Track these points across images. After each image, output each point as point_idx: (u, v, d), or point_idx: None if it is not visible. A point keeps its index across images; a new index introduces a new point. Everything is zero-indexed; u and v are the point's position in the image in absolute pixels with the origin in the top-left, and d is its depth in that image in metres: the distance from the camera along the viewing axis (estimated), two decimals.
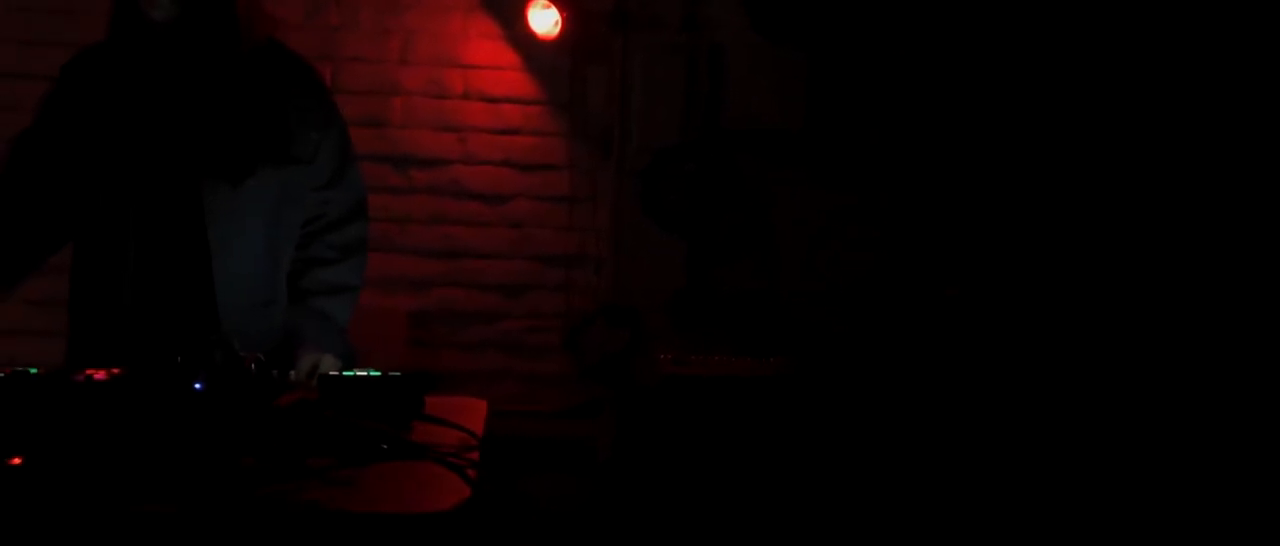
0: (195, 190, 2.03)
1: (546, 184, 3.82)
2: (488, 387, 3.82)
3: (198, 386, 1.66)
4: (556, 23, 3.66)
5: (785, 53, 3.81)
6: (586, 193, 3.82)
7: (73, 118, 2.07)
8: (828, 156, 3.84)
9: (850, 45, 3.84)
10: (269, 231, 2.11)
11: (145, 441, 1.60)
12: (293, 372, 2.07)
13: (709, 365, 3.23)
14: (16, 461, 1.28)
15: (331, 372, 1.75)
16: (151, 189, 2.03)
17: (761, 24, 3.76)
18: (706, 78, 3.80)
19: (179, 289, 2.05)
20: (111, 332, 2.07)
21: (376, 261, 3.76)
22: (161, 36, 1.98)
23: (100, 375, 1.67)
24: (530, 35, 3.69)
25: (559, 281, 3.84)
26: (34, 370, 1.67)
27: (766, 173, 3.83)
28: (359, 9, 3.74)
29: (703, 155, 3.82)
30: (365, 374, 1.73)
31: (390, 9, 3.75)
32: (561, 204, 3.83)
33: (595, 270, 3.83)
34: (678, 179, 3.82)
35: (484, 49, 3.78)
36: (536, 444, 3.77)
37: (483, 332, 3.84)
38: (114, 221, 2.05)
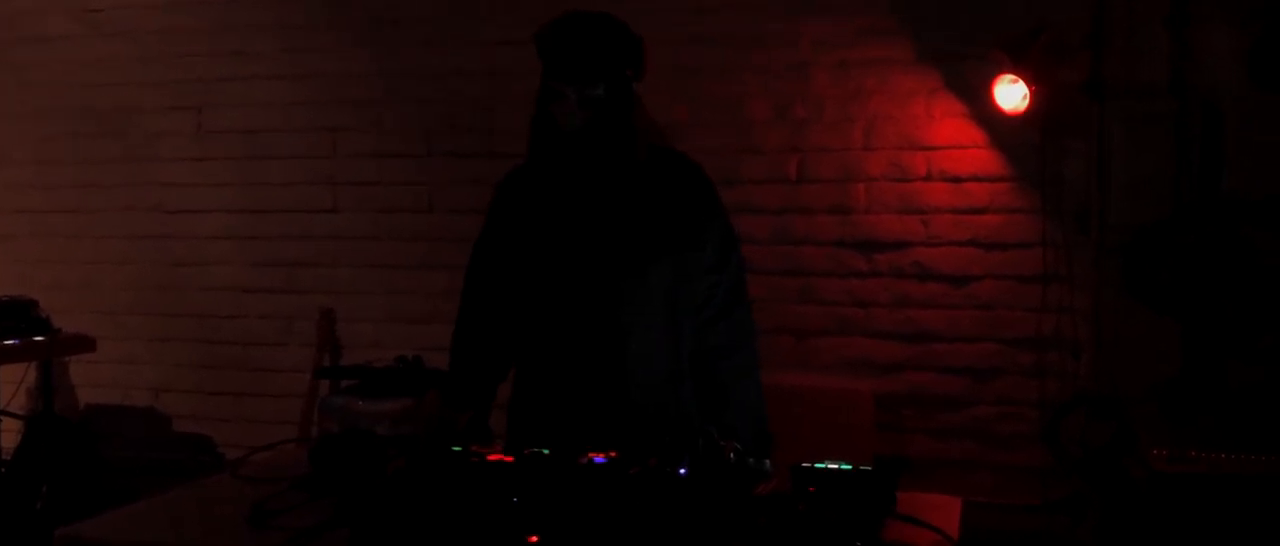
0: (608, 280, 2.29)
1: (1016, 262, 3.66)
2: (960, 477, 3.69)
3: (682, 472, 1.79)
4: (1024, 97, 3.52)
5: None
6: (1061, 271, 3.60)
7: (507, 225, 2.42)
8: None
9: None
10: (669, 311, 2.33)
11: (638, 522, 1.74)
12: None
13: (1213, 463, 2.87)
14: (533, 540, 1.44)
15: (804, 465, 1.79)
16: (570, 281, 2.32)
17: (1268, 80, 3.34)
18: (1200, 143, 3.44)
19: (595, 365, 2.32)
20: (544, 407, 2.37)
21: (842, 344, 3.84)
22: (571, 146, 2.25)
23: (599, 457, 1.84)
24: (996, 112, 3.58)
25: (1031, 366, 3.64)
26: (546, 451, 1.89)
27: None
28: (824, 101, 3.86)
29: (1202, 227, 3.44)
30: (836, 467, 1.75)
31: (853, 98, 3.83)
32: (1033, 283, 3.64)
33: (1074, 354, 3.58)
34: (1171, 254, 3.48)
35: (947, 129, 3.73)
36: (1012, 539, 3.57)
37: (952, 419, 3.73)
38: (544, 309, 2.35)
